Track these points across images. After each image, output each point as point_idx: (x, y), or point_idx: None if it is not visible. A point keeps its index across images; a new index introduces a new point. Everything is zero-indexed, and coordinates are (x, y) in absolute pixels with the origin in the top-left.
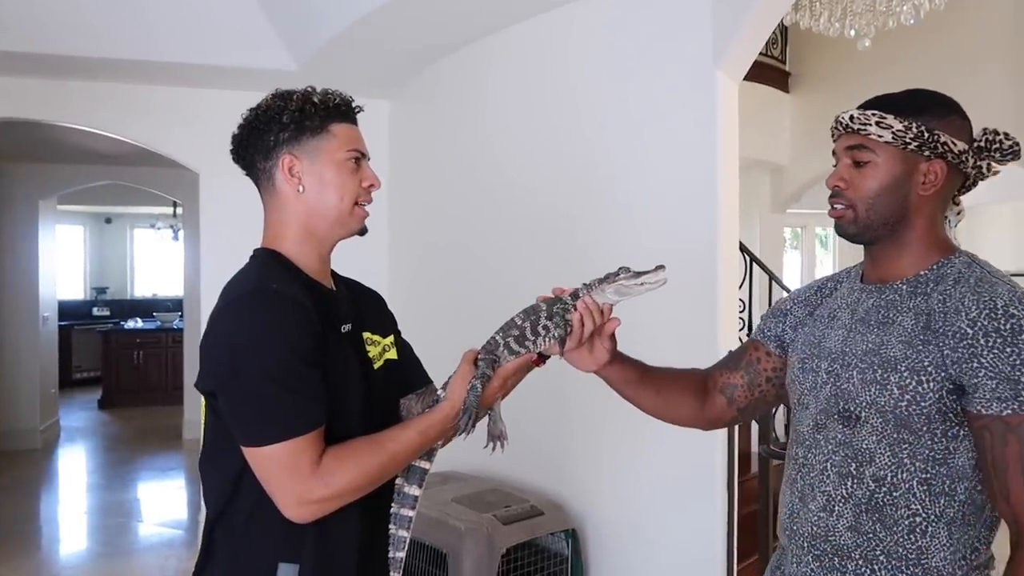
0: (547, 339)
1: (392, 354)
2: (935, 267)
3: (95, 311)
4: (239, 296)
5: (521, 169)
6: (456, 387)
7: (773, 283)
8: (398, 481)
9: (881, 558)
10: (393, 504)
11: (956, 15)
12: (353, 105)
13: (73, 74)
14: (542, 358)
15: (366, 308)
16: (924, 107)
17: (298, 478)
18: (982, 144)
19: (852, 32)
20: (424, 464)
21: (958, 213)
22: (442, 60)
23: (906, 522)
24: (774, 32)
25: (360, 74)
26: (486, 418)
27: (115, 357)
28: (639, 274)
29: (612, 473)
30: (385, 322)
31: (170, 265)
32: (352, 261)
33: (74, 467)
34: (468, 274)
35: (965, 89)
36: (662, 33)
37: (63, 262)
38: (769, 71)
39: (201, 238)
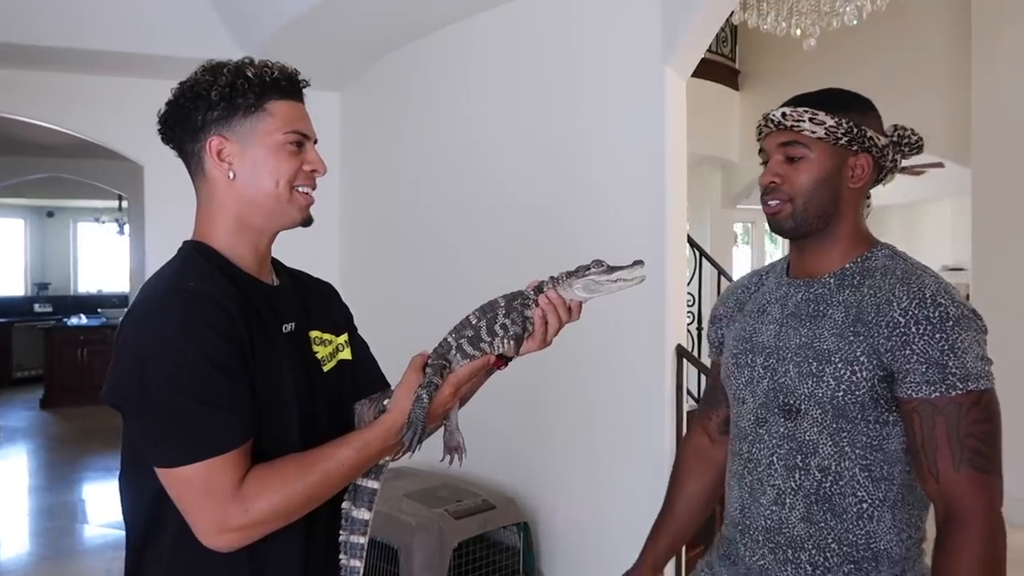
0: (505, 340)
1: (346, 354)
2: (860, 260)
3: (37, 307)
4: (149, 298)
5: (471, 163)
6: (400, 398)
7: (722, 278)
8: (345, 505)
9: (833, 546)
10: (341, 531)
11: (897, 17)
12: (298, 79)
13: (11, 62)
14: (503, 360)
15: (315, 304)
16: (847, 104)
17: (215, 503)
18: (895, 139)
19: (797, 32)
20: (372, 484)
21: (868, 206)
22: (394, 53)
23: (854, 509)
24: (724, 31)
25: (310, 66)
26: (441, 429)
27: (58, 355)
28: (613, 269)
29: (564, 466)
30: (338, 319)
31: (115, 260)
32: (303, 255)
33: (14, 469)
34: (422, 268)
35: (905, 87)
36: (611, 29)
37: (2, 257)
38: (720, 69)
39: (147, 232)
